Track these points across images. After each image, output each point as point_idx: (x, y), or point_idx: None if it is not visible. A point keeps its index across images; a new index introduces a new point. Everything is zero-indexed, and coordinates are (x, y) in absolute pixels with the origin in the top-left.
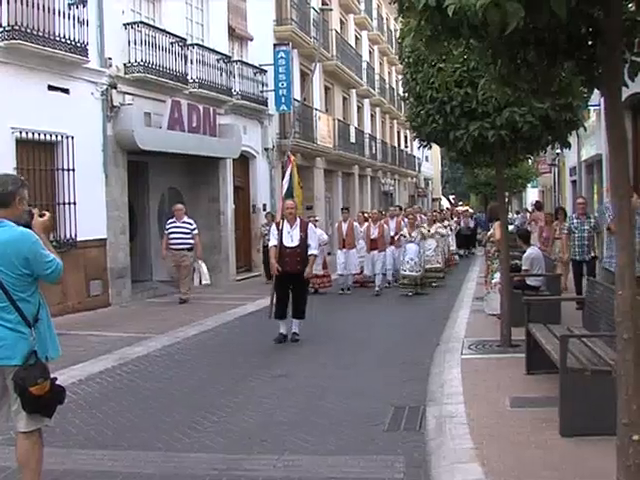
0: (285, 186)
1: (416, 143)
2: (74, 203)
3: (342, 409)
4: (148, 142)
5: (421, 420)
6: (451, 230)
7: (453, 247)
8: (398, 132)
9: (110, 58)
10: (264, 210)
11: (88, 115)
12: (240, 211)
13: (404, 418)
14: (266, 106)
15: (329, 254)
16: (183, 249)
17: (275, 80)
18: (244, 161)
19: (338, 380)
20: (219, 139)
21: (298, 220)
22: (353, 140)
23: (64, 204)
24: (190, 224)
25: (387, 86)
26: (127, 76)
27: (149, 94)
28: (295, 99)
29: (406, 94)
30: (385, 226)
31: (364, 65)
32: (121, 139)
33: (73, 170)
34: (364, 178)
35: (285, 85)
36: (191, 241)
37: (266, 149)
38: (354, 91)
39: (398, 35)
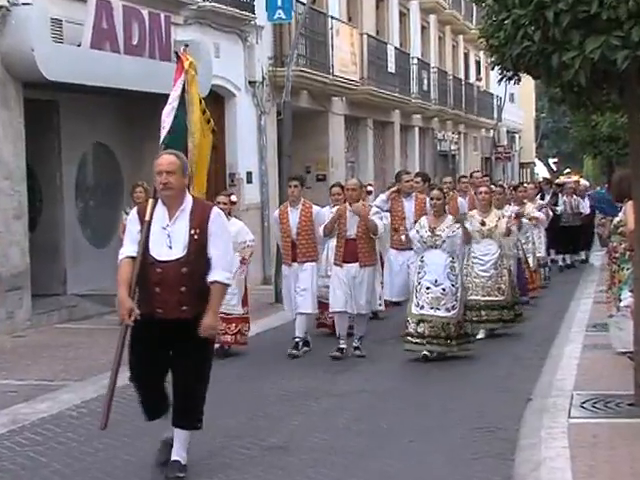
0: (167, 121)
1: (496, 73)
2: None
3: None
4: (58, 69)
5: None
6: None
7: (541, 253)
8: (466, 55)
9: None
10: (248, 181)
11: None
12: (210, 182)
13: None
14: (252, 13)
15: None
16: None
17: None
18: (217, 102)
19: (367, 456)
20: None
21: (189, 201)
22: (392, 69)
23: None
24: None
25: None
26: None
27: None
28: (299, 1)
29: None
30: (365, 207)
31: None
32: (12, 63)
33: None
34: (410, 130)
35: None
36: None
37: (252, 83)
38: None
39: None
